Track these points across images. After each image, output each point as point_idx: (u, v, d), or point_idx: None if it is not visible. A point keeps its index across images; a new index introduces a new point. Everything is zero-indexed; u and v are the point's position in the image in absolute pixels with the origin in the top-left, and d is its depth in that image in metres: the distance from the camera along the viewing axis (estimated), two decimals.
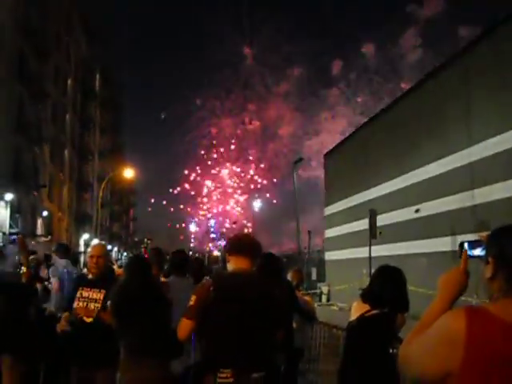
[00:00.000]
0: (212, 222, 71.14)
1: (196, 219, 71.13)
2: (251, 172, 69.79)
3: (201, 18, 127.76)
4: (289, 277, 6.89)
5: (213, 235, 70.25)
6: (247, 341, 3.19)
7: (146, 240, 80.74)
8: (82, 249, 48.08)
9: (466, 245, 2.09)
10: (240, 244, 3.55)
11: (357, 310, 4.04)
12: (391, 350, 4.00)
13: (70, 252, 8.10)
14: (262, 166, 69.54)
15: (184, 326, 3.26)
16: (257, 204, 62.80)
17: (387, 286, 3.93)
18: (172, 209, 70.03)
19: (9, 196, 30.48)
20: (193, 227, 71.51)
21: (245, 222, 67.84)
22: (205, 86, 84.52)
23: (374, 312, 3.88)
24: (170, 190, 68.67)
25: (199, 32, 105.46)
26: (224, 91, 73.36)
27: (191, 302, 3.26)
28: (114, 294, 4.20)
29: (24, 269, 5.75)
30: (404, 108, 24.96)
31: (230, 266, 3.50)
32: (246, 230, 61.06)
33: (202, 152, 69.18)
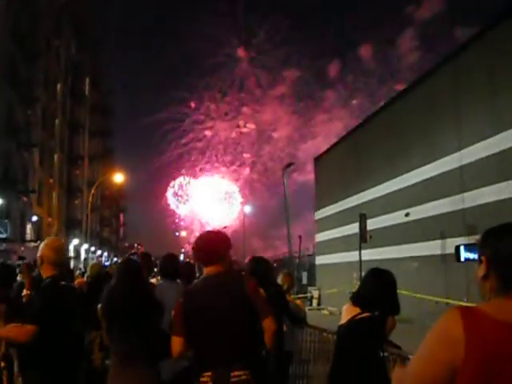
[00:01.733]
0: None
1: (184, 223, 70.96)
2: (245, 175, 69.75)
3: (195, 20, 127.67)
4: (279, 280, 6.86)
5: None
6: (225, 342, 3.23)
7: (136, 245, 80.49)
8: (71, 254, 47.81)
9: (462, 248, 2.08)
10: (201, 254, 3.57)
11: (347, 313, 4.01)
12: (381, 353, 3.98)
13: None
14: (257, 169, 69.61)
15: (174, 344, 3.33)
16: (247, 208, 62.70)
17: (378, 289, 3.90)
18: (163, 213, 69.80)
19: None
20: (183, 233, 71.42)
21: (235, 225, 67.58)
22: (200, 88, 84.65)
23: (365, 315, 3.85)
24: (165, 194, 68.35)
25: (194, 34, 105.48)
26: (219, 94, 73.19)
27: (172, 317, 3.31)
28: (104, 298, 4.17)
29: (25, 291, 5.80)
30: (394, 111, 25.06)
31: (204, 271, 3.57)
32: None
33: (193, 158, 69.06)
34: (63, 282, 4.14)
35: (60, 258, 4.06)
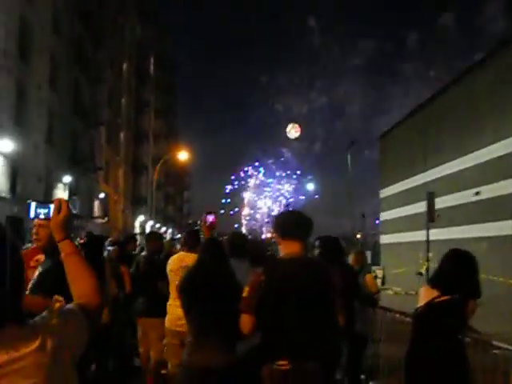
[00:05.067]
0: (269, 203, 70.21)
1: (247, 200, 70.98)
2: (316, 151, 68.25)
3: None
4: (350, 260, 6.70)
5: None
6: (304, 328, 3.09)
7: (199, 222, 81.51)
8: (137, 230, 48.98)
9: None
10: (290, 226, 3.38)
11: (425, 295, 3.87)
12: (461, 338, 3.81)
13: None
14: (328, 145, 68.21)
15: (245, 322, 3.20)
16: (312, 186, 62.38)
17: (460, 271, 3.73)
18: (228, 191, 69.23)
19: (67, 178, 31.22)
20: (246, 210, 71.71)
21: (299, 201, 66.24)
22: (270, 62, 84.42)
23: (445, 298, 3.69)
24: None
25: (262, 8, 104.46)
26: (291, 67, 72.44)
27: (245, 294, 3.20)
28: (189, 272, 4.16)
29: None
30: (465, 85, 24.11)
31: (282, 250, 3.38)
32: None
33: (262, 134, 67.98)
34: None
35: None
